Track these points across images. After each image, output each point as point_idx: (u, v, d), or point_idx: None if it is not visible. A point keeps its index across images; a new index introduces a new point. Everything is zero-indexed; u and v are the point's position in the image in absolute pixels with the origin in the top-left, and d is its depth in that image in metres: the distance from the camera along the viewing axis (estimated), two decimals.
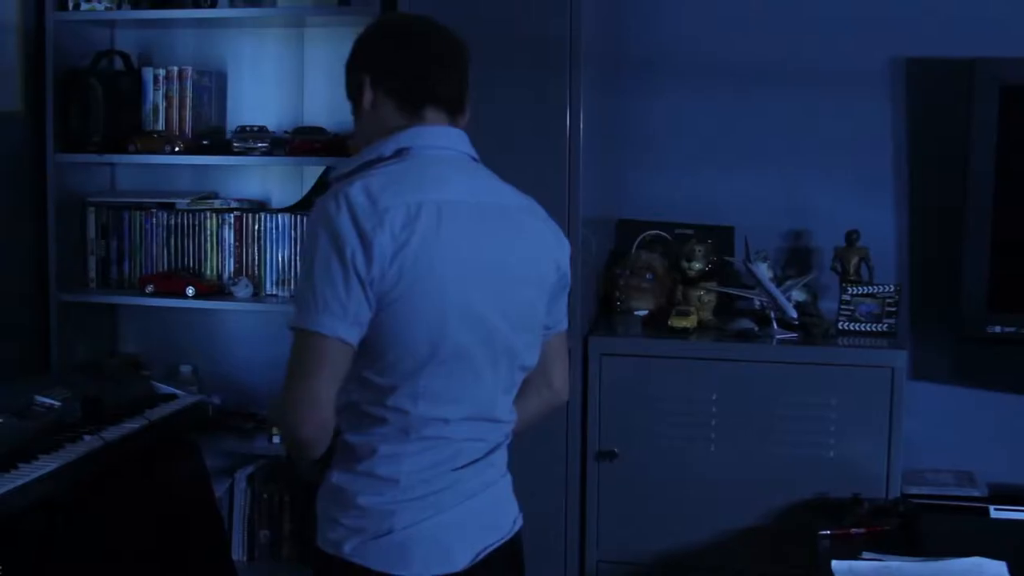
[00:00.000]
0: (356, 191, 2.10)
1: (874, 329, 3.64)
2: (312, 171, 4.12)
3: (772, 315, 3.62)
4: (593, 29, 3.63)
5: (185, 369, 4.20)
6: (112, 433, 3.35)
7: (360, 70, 2.32)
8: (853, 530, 3.16)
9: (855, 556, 2.96)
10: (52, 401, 3.43)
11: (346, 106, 3.87)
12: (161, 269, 4.12)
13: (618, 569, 3.63)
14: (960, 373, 3.79)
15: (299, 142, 3.92)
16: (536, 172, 3.52)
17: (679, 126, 4.02)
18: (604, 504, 3.62)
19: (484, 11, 3.55)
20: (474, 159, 2.34)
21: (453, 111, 2.34)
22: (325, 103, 4.11)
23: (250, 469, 4.11)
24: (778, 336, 3.58)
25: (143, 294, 4.05)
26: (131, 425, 3.44)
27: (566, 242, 2.43)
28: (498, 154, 3.55)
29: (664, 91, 4.01)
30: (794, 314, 3.59)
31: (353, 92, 2.35)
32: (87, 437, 3.27)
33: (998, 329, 3.60)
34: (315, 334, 2.08)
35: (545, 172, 3.51)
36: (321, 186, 4.09)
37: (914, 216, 3.87)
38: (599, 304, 3.87)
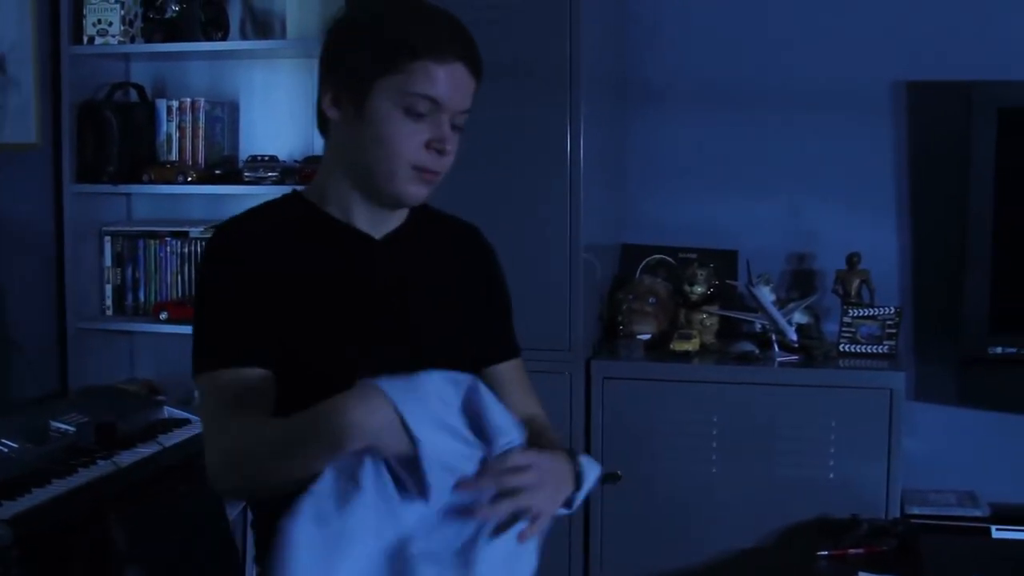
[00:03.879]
0: None
1: (875, 351, 3.67)
2: None
3: (773, 338, 3.66)
4: (595, 54, 3.68)
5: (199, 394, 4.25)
6: (125, 458, 3.40)
7: None
8: (851, 550, 3.19)
9: None
10: (67, 427, 3.49)
11: None
12: (175, 296, 4.20)
13: None
14: (963, 394, 3.81)
15: (309, 171, 3.98)
16: (538, 197, 3.58)
17: (684, 151, 4.07)
18: (607, 526, 3.65)
19: (485, 34, 3.59)
20: None
21: None
22: None
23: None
24: (779, 359, 3.61)
25: (157, 321, 4.13)
26: (144, 450, 3.50)
27: None
28: (499, 179, 3.63)
29: (668, 116, 4.05)
30: (794, 336, 3.63)
31: None
32: (100, 462, 3.33)
33: (999, 350, 3.62)
34: None
35: (547, 197, 3.56)
36: None
37: (916, 238, 3.90)
38: (603, 328, 3.91)
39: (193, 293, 2.09)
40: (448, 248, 2.19)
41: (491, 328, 2.21)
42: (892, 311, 3.70)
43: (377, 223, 2.08)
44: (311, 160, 4.06)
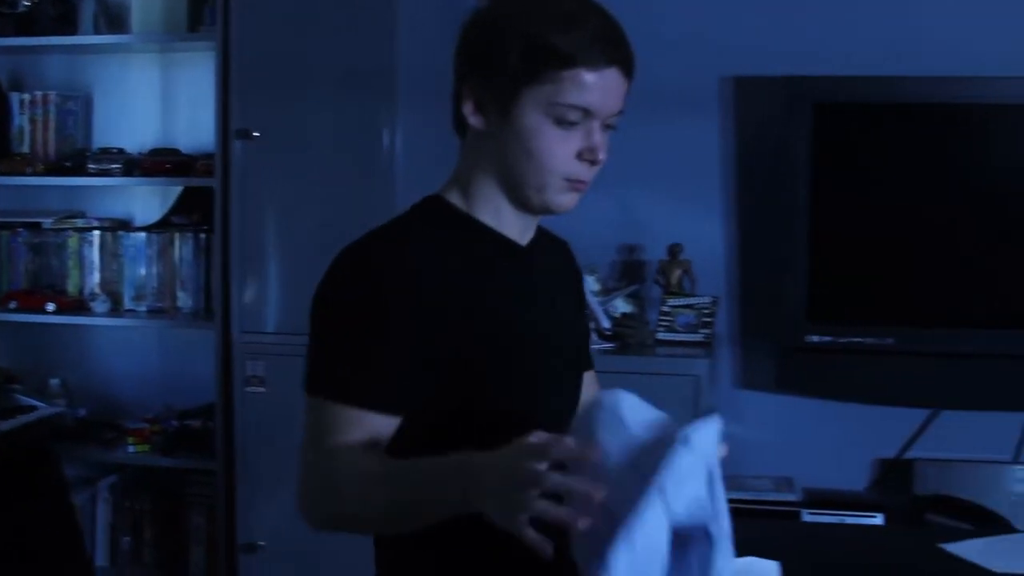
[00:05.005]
0: None
1: (690, 339, 3.77)
2: (173, 191, 4.26)
3: (591, 326, 3.74)
4: (419, 56, 3.71)
5: (54, 382, 4.33)
6: None
7: None
8: None
9: None
10: None
11: (206, 127, 3.99)
12: (26, 286, 4.27)
13: None
14: (783, 381, 3.88)
15: (150, 163, 4.06)
16: (360, 197, 3.63)
17: None
18: None
19: (310, 40, 3.67)
20: None
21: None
22: (187, 124, 4.26)
23: (113, 478, 4.25)
24: (595, 346, 3.69)
25: (7, 310, 4.20)
26: None
27: None
28: (322, 181, 3.72)
29: None
30: (606, 324, 3.72)
31: None
32: None
33: (816, 339, 3.73)
34: None
35: (369, 197, 3.61)
36: (180, 206, 4.24)
37: (740, 230, 4.00)
38: None
39: (325, 301, 1.84)
40: (557, 259, 2.15)
41: (585, 338, 2.24)
42: (709, 300, 3.80)
43: (523, 230, 1.98)
44: (156, 152, 4.13)
